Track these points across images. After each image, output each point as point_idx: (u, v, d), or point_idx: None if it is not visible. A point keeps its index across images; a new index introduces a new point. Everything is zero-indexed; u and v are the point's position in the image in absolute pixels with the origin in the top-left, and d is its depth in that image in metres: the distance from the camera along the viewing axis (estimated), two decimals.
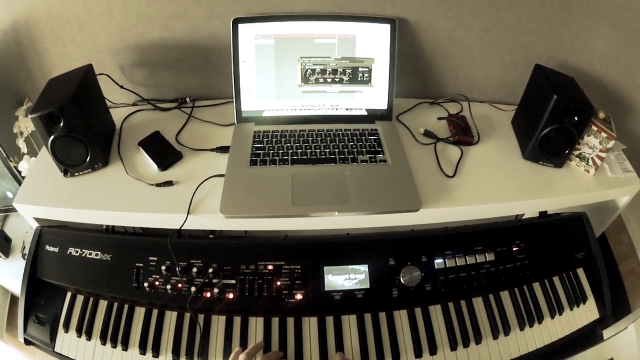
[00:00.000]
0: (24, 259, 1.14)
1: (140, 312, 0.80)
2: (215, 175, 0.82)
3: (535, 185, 0.85)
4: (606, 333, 0.87)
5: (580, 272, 0.90)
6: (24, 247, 1.18)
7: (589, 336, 0.86)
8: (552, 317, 0.83)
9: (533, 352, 0.80)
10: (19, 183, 1.07)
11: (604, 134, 0.82)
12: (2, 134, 1.04)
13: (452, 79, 1.04)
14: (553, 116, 0.82)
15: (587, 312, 0.86)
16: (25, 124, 1.03)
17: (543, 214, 0.92)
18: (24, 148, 1.04)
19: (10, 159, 1.06)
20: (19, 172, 1.06)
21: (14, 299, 1.37)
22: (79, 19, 0.91)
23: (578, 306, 0.86)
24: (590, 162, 0.86)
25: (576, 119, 0.81)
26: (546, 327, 0.82)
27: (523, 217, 1.04)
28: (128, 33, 0.93)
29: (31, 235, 0.84)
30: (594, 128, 0.83)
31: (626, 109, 1.07)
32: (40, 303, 0.81)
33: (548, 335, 0.82)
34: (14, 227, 1.24)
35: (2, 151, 1.05)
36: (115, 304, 0.80)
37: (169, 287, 0.77)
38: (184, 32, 0.93)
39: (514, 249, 0.84)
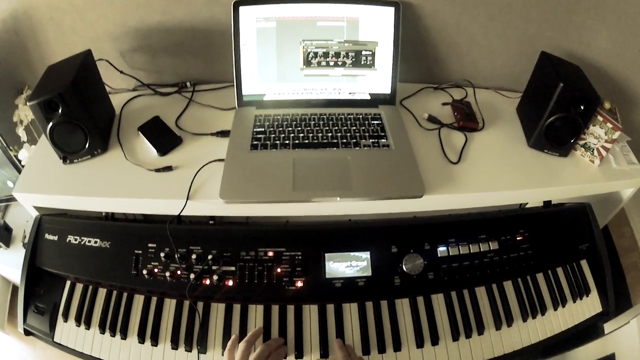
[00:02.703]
0: (25, 248, 1.13)
1: (139, 300, 0.79)
2: (215, 160, 0.81)
3: (540, 174, 0.84)
4: (607, 327, 0.87)
5: (584, 263, 0.89)
6: (25, 237, 1.17)
7: (590, 330, 0.85)
8: (555, 309, 0.82)
9: (535, 344, 0.79)
10: (20, 172, 1.06)
11: (609, 125, 0.81)
12: (2, 123, 1.04)
13: (457, 65, 1.02)
14: (559, 104, 0.81)
15: (590, 305, 0.85)
16: (24, 112, 1.02)
17: (547, 203, 0.91)
18: (23, 137, 1.04)
19: (11, 147, 1.06)
20: (19, 161, 1.06)
21: (16, 290, 1.37)
22: (79, 7, 0.91)
23: (581, 298, 0.85)
24: (595, 153, 0.85)
25: (582, 108, 0.80)
26: (549, 319, 0.81)
27: (527, 207, 1.03)
28: (128, 18, 0.93)
29: (31, 224, 0.83)
30: (600, 118, 0.82)
31: (631, 101, 1.06)
32: (40, 292, 0.81)
33: (550, 327, 0.81)
34: (15, 217, 1.24)
35: (2, 140, 1.04)
36: (114, 292, 0.80)
37: (168, 274, 0.76)
38: (184, 16, 0.92)
39: (518, 238, 0.83)
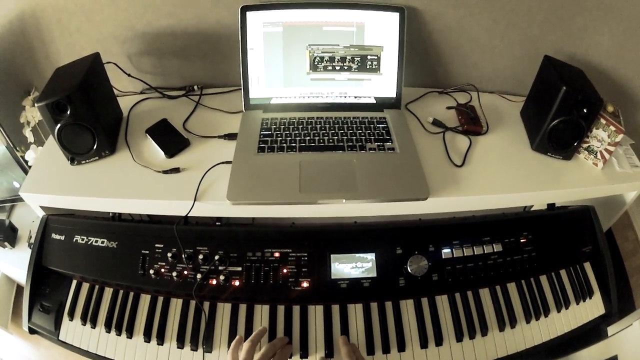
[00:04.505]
0: (30, 248, 1.14)
1: (145, 300, 0.79)
2: (223, 162, 0.82)
3: (544, 177, 0.85)
4: (611, 330, 0.87)
5: (587, 266, 0.89)
6: (31, 237, 1.18)
7: (593, 332, 0.86)
8: (559, 311, 0.82)
9: (539, 345, 0.79)
10: (26, 173, 1.07)
11: (612, 127, 0.82)
12: (9, 124, 1.05)
13: (461, 69, 1.03)
14: (562, 108, 0.81)
15: (593, 307, 0.85)
16: (32, 114, 1.03)
17: (551, 206, 0.91)
18: (30, 138, 1.04)
19: (17, 148, 1.07)
20: (26, 162, 1.07)
21: (20, 290, 1.38)
22: (86, 9, 0.92)
23: (584, 301, 0.85)
24: (599, 156, 0.86)
25: (585, 111, 0.80)
26: (552, 321, 0.81)
27: (531, 209, 1.03)
28: (135, 22, 0.93)
29: (37, 224, 0.84)
30: (603, 121, 0.83)
31: (634, 104, 1.06)
32: (46, 291, 0.81)
33: (554, 329, 0.81)
34: (20, 217, 1.25)
35: (9, 141, 1.05)
36: (121, 292, 0.80)
37: (174, 274, 0.77)
38: (191, 20, 0.93)
39: (522, 240, 0.83)
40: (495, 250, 0.81)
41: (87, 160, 0.83)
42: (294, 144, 0.84)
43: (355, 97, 0.94)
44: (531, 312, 0.80)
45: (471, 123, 0.93)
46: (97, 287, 0.81)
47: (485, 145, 0.91)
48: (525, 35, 0.96)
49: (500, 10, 0.92)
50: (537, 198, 0.85)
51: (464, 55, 1.00)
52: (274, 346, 0.69)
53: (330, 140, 0.85)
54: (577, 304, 0.84)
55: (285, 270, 0.77)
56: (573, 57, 0.98)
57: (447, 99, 1.03)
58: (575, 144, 0.85)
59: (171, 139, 0.88)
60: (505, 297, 0.81)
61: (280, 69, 0.89)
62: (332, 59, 0.89)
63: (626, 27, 0.93)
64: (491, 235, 0.82)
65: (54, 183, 0.80)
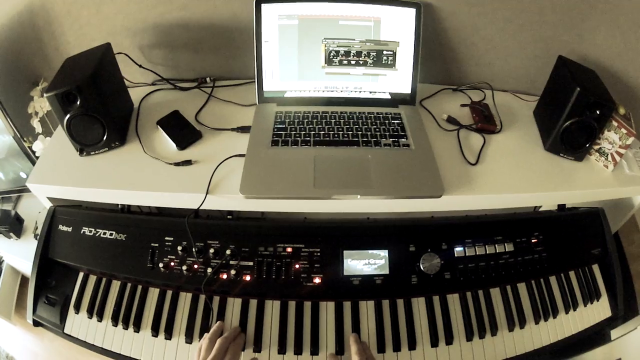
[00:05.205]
0: (36, 239, 1.13)
1: (154, 293, 0.79)
2: (236, 155, 0.81)
3: (555, 177, 0.84)
4: (614, 333, 0.87)
5: (595, 268, 0.89)
6: (37, 228, 1.17)
7: (597, 335, 0.86)
8: (567, 312, 0.82)
9: (547, 346, 0.79)
10: (33, 163, 1.06)
11: (623, 130, 0.81)
12: (17, 114, 1.04)
13: (475, 67, 1.03)
14: (575, 109, 0.81)
15: (600, 310, 0.85)
16: (40, 104, 1.02)
17: (562, 207, 0.91)
18: (38, 128, 1.04)
19: (25, 139, 1.06)
20: (33, 152, 1.06)
21: (24, 281, 1.37)
22: (96, 0, 0.90)
23: (592, 303, 0.85)
24: (610, 158, 0.86)
25: (597, 112, 0.80)
26: (560, 322, 0.81)
27: (541, 210, 1.03)
28: (147, 14, 0.93)
29: (44, 215, 0.83)
30: (614, 123, 0.83)
31: None
32: (51, 284, 0.81)
33: (562, 330, 0.81)
34: (26, 208, 1.24)
35: (16, 131, 1.04)
36: (129, 285, 0.80)
37: (184, 268, 0.76)
38: (204, 12, 0.92)
39: (533, 240, 0.83)
40: (506, 250, 0.81)
41: (97, 152, 0.83)
42: (308, 138, 0.84)
43: (370, 92, 0.93)
44: (540, 313, 0.80)
45: (485, 121, 0.93)
46: (104, 280, 0.80)
47: (499, 143, 0.90)
48: (537, 35, 0.96)
49: (514, 9, 0.92)
50: (549, 198, 0.85)
51: (477, 54, 1.00)
52: (227, 339, 0.68)
53: (345, 135, 0.85)
54: (585, 305, 0.84)
55: (297, 266, 0.76)
56: (585, 59, 0.98)
57: (461, 97, 1.03)
58: (587, 145, 0.85)
59: (183, 131, 0.87)
60: (516, 297, 0.81)
61: (295, 62, 0.89)
62: (347, 54, 0.88)
63: (637, 31, 0.92)
64: (503, 234, 0.82)
65: (62, 174, 0.79)
